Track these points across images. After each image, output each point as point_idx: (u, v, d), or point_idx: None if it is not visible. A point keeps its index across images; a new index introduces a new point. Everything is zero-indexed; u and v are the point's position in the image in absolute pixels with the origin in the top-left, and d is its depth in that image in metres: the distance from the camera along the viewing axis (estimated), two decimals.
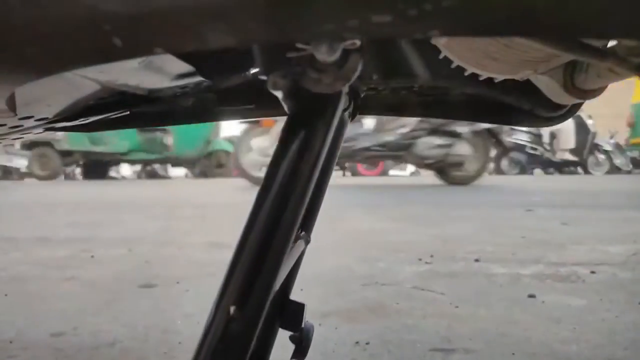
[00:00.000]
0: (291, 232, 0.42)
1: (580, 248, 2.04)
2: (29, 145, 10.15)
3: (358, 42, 0.38)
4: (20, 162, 10.18)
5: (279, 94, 0.42)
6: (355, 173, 11.22)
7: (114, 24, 0.33)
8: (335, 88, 0.40)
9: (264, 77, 0.40)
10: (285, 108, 0.43)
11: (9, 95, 0.43)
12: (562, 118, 0.90)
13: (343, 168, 11.40)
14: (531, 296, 1.34)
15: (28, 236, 2.44)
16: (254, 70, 0.80)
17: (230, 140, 11.06)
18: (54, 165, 10.17)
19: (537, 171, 11.81)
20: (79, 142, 10.17)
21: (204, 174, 11.08)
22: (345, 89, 0.45)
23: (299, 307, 0.80)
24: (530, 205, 3.71)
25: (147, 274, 1.62)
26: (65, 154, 10.22)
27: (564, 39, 0.40)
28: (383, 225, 2.77)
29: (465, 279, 1.54)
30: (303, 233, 0.76)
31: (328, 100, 0.42)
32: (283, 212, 0.41)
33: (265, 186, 0.41)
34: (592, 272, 1.60)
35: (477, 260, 1.80)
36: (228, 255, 0.41)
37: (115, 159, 10.74)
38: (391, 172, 12.04)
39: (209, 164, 10.84)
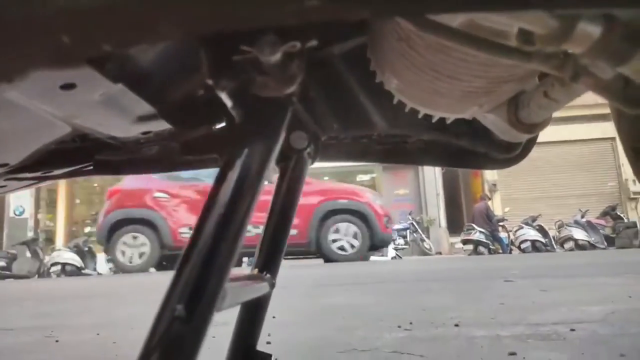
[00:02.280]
0: (240, 234, 0.42)
1: (559, 309, 2.02)
2: None
3: (298, 45, 0.41)
4: None
5: (228, 102, 0.44)
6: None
7: (62, 22, 0.35)
8: (281, 91, 0.42)
9: (211, 81, 0.43)
10: (235, 116, 0.44)
11: None
12: (517, 159, 0.94)
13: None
14: (512, 354, 1.30)
15: None
16: (219, 125, 0.83)
17: None
18: None
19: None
20: None
21: None
22: (293, 100, 0.47)
23: (266, 357, 0.77)
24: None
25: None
26: None
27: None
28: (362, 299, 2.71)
29: (445, 342, 1.50)
30: (268, 275, 0.74)
31: (275, 106, 0.44)
32: (232, 213, 0.42)
33: (216, 188, 0.42)
34: (572, 330, 1.58)
35: (457, 325, 1.76)
36: None
37: None
38: (372, 257, 11.57)
39: None
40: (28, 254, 10.25)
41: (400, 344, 1.48)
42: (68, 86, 0.52)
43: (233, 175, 0.44)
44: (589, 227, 11.39)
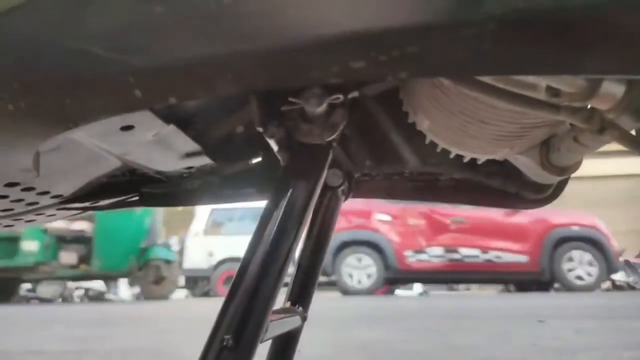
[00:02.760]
0: (283, 270, 0.45)
1: (593, 353, 1.96)
2: None
3: (341, 97, 0.44)
4: None
5: (274, 145, 0.47)
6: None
7: (136, 77, 0.40)
8: (323, 138, 0.46)
9: (260, 129, 0.46)
10: (280, 159, 0.48)
11: (35, 153, 0.48)
12: (549, 200, 0.95)
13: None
14: None
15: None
16: (255, 160, 0.87)
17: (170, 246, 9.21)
18: None
19: None
20: None
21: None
22: (334, 145, 0.50)
23: None
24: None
25: None
26: None
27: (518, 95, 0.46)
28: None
29: None
30: (300, 309, 0.77)
31: (318, 151, 0.48)
32: (277, 249, 0.45)
33: (261, 225, 0.45)
34: None
35: None
36: None
37: None
38: (397, 291, 11.43)
39: (144, 277, 8.46)
40: None
41: None
42: (127, 127, 0.56)
43: (278, 214, 0.47)
44: (627, 266, 10.95)
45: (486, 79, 0.50)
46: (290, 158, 0.47)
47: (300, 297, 0.77)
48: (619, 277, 10.47)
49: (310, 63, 0.37)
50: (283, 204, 0.47)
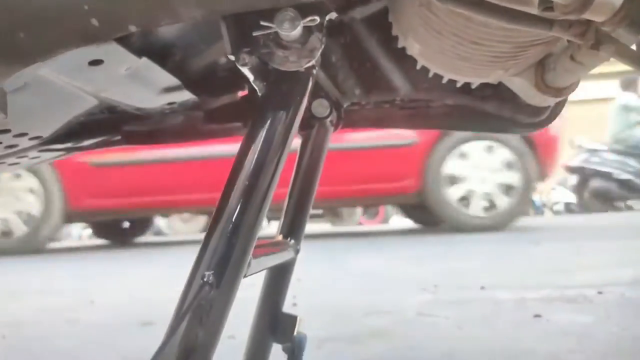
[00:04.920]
0: (265, 202, 0.44)
1: (589, 272, 2.02)
2: None
3: (317, 19, 0.41)
4: None
5: (249, 75, 0.45)
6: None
7: (91, 4, 0.36)
8: (301, 65, 0.43)
9: (232, 57, 0.44)
10: (257, 90, 0.45)
11: (1, 94, 0.46)
12: (545, 123, 0.93)
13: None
14: (537, 316, 1.32)
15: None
16: (241, 92, 0.84)
17: None
18: None
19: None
20: None
21: None
22: (314, 72, 0.47)
23: (291, 319, 0.80)
24: None
25: None
26: None
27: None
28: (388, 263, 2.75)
29: (470, 305, 1.52)
30: (292, 242, 0.77)
31: (296, 79, 0.45)
32: (257, 182, 0.43)
33: (240, 158, 0.43)
34: (600, 293, 1.58)
35: (482, 288, 1.77)
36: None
37: None
38: (394, 220, 9.96)
39: None
40: None
41: (425, 307, 1.51)
42: (96, 62, 0.53)
43: (257, 146, 0.45)
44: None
45: None
46: (267, 87, 0.45)
47: (292, 230, 0.76)
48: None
49: None
50: (262, 135, 0.45)
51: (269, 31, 0.40)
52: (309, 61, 0.43)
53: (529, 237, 3.57)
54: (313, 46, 0.43)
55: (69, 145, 0.79)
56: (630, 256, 2.47)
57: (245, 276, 0.44)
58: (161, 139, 0.80)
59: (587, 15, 0.38)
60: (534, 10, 0.43)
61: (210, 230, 0.42)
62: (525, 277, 2.03)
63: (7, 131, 0.65)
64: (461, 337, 1.16)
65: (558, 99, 0.78)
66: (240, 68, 0.44)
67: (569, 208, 10.17)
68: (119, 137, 0.78)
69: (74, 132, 0.76)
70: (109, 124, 0.76)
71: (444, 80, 0.79)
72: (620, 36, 0.41)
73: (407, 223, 6.43)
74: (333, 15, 0.43)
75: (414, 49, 0.74)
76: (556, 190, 10.91)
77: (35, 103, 0.60)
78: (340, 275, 2.33)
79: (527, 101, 0.81)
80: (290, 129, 0.45)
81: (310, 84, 0.47)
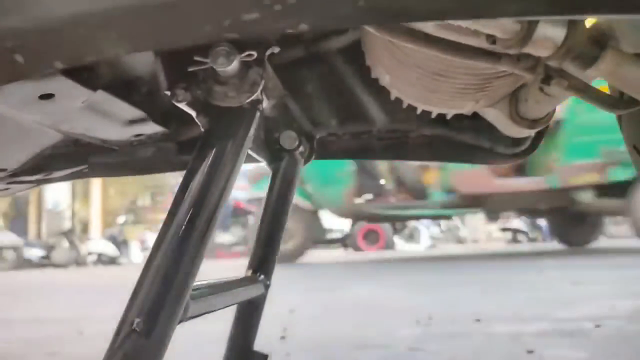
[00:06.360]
0: (203, 243, 0.42)
1: (588, 304, 1.96)
2: None
3: (254, 54, 0.40)
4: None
5: (190, 111, 0.43)
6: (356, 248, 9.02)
7: (13, 41, 0.35)
8: (241, 100, 0.42)
9: (167, 93, 0.42)
10: (200, 125, 0.44)
11: None
12: (525, 153, 0.91)
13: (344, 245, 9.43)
14: (530, 352, 1.27)
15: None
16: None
17: None
18: None
19: None
20: None
21: None
22: (262, 106, 0.46)
23: (262, 357, 0.77)
24: None
25: None
26: None
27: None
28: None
29: (464, 339, 1.47)
30: (262, 277, 0.74)
31: (239, 114, 0.44)
32: (196, 221, 0.42)
33: (179, 195, 0.42)
34: (598, 326, 1.53)
35: (477, 320, 1.72)
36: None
37: None
38: (399, 246, 10.02)
39: None
40: (66, 244, 10.68)
41: (417, 341, 1.47)
42: (46, 96, 0.52)
43: (198, 184, 0.44)
44: None
45: (427, 29, 0.45)
46: (208, 123, 0.44)
47: (262, 265, 0.74)
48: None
49: (199, 17, 0.33)
50: (203, 173, 0.43)
51: (203, 67, 0.39)
52: (249, 96, 0.42)
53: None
54: (253, 81, 0.42)
55: (38, 177, 0.78)
56: (631, 287, 2.40)
57: (182, 321, 0.42)
58: (131, 171, 0.79)
59: (529, 50, 0.36)
60: (483, 44, 0.42)
61: (143, 271, 0.41)
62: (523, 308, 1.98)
63: None
64: None
65: (534, 130, 0.76)
66: (177, 104, 0.43)
67: None
68: (86, 169, 0.77)
69: (42, 165, 0.75)
70: (76, 156, 0.75)
71: (419, 111, 0.78)
72: (569, 70, 0.39)
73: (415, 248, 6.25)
74: (275, 49, 0.42)
75: (384, 80, 0.73)
76: None
77: None
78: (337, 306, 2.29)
79: (503, 132, 0.80)
80: (233, 165, 0.43)
81: (256, 118, 0.46)
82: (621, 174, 4.23)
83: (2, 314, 2.62)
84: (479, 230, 13.69)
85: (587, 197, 4.56)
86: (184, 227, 0.42)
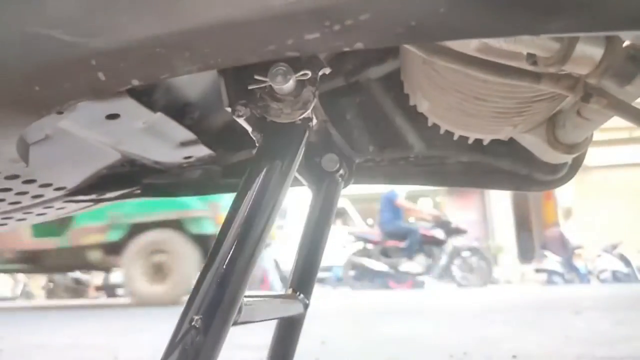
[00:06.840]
0: (257, 249, 0.45)
1: (631, 343, 1.88)
2: None
3: (309, 73, 0.43)
4: None
5: (246, 126, 0.47)
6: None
7: (97, 60, 0.40)
8: (294, 117, 0.45)
9: (228, 109, 0.46)
10: (255, 140, 0.48)
11: (19, 139, 0.49)
12: (563, 180, 0.91)
13: None
14: None
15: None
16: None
17: None
18: None
19: None
20: None
21: None
22: (312, 124, 0.49)
23: None
24: None
25: None
26: None
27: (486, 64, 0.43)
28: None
29: None
30: (301, 296, 0.76)
31: (291, 131, 0.47)
32: (249, 232, 0.44)
33: (234, 207, 0.45)
34: None
35: (514, 357, 1.68)
36: None
37: None
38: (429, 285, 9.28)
39: None
40: None
41: None
42: (113, 116, 0.57)
43: (252, 195, 0.47)
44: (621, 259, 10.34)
45: (469, 51, 0.48)
46: (263, 138, 0.47)
47: (301, 284, 0.76)
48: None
49: (265, 36, 0.36)
50: (257, 183, 0.46)
51: (262, 85, 0.43)
52: (302, 113, 0.45)
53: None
54: (306, 99, 0.45)
55: (92, 197, 0.83)
56: None
57: (235, 323, 0.44)
58: (179, 192, 0.83)
59: (568, 68, 0.39)
60: (523, 65, 0.44)
61: (202, 273, 0.43)
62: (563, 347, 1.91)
63: (33, 181, 0.69)
64: None
65: (572, 155, 0.77)
66: (237, 119, 0.47)
67: (615, 276, 9.68)
68: (139, 190, 0.81)
69: (97, 185, 0.80)
70: (130, 177, 0.79)
71: (456, 137, 0.80)
72: (608, 87, 0.41)
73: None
74: (327, 70, 0.45)
75: (423, 106, 0.75)
76: (602, 257, 10.43)
77: (58, 154, 0.64)
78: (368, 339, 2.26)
79: (541, 158, 0.81)
80: (285, 178, 0.46)
81: (306, 135, 0.49)
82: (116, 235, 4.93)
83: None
84: (513, 271, 13.29)
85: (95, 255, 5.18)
86: (240, 233, 0.44)
